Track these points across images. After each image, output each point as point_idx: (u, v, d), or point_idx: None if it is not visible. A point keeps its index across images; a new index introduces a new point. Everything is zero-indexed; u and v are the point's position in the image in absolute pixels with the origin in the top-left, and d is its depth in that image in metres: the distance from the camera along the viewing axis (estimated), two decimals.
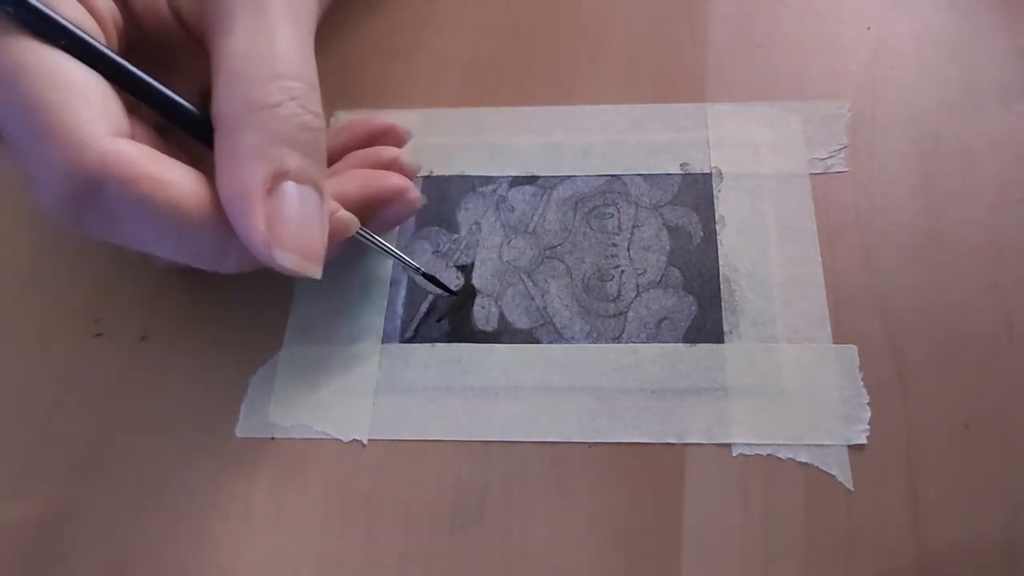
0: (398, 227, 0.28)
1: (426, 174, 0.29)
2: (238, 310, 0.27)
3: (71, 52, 0.20)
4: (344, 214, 0.23)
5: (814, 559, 0.22)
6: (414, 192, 0.26)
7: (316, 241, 0.21)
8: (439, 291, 0.26)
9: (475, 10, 0.33)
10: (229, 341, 0.26)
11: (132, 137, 0.21)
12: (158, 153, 0.21)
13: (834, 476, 0.23)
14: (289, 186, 0.21)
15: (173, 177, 0.21)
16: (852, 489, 0.22)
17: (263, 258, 0.21)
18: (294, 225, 0.21)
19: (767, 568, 0.22)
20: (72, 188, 0.20)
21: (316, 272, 0.22)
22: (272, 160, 0.21)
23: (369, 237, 0.25)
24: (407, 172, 0.26)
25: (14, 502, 0.24)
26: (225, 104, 0.21)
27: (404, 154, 0.26)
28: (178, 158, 0.21)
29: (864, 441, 0.23)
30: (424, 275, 0.26)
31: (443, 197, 0.29)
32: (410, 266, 0.26)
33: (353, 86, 0.31)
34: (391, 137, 0.27)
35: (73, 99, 0.20)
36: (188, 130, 0.22)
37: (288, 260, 0.21)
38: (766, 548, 0.22)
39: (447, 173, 0.29)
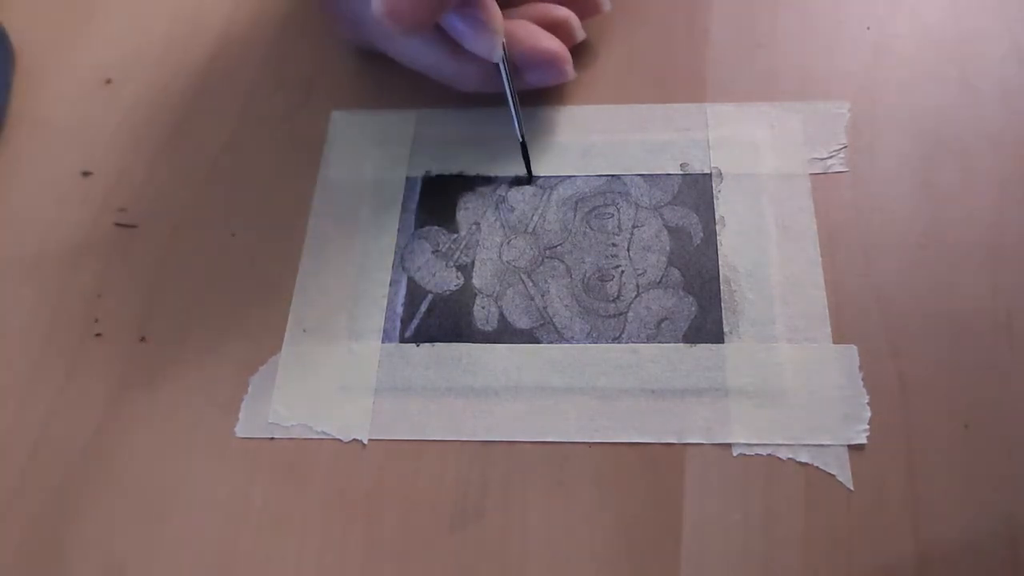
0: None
1: (425, 174, 0.29)
2: (238, 310, 0.27)
3: None
4: (500, 41, 0.25)
5: (814, 559, 0.22)
6: (570, 65, 0.28)
7: (408, 6, 0.23)
8: (524, 169, 0.28)
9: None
10: (229, 341, 0.26)
11: None
12: None
13: (834, 476, 0.23)
14: None
15: None
16: (852, 489, 0.22)
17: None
18: None
19: (767, 568, 0.22)
20: None
21: (398, 28, 0.23)
22: None
23: (507, 75, 0.26)
24: (571, 37, 0.28)
25: (13, 502, 0.24)
26: None
27: (575, 19, 0.28)
28: None
29: (864, 441, 0.23)
30: (524, 147, 0.28)
31: (443, 197, 0.29)
32: (519, 127, 0.27)
33: (353, 86, 0.31)
34: None
35: None
36: None
37: (378, 7, 0.23)
38: (766, 548, 0.22)
39: (447, 173, 0.29)
